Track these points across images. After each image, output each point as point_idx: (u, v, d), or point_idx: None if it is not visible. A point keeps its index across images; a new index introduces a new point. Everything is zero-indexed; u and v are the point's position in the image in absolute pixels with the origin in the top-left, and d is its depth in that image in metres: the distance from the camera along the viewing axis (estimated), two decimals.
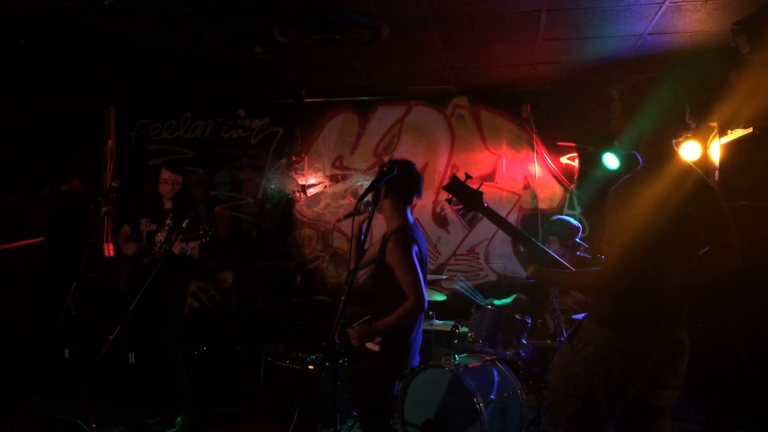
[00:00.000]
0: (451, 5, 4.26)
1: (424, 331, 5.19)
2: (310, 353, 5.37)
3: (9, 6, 4.19)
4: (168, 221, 4.81)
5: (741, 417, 4.47)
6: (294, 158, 6.88)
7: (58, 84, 6.18)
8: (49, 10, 4.27)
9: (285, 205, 6.95)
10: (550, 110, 6.31)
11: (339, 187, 6.85)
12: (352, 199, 6.74)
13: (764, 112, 4.41)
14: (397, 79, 6.18)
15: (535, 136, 6.40)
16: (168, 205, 4.97)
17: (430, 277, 5.69)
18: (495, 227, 6.32)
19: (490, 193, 6.47)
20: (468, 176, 2.98)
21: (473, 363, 4.44)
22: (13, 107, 6.83)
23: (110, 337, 3.78)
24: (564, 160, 6.35)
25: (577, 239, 4.98)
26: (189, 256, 4.82)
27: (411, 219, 3.62)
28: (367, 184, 6.58)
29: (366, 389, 3.50)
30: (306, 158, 6.88)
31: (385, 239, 3.58)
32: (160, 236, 4.79)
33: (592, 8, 4.30)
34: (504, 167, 6.47)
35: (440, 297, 5.28)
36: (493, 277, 6.47)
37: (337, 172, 6.86)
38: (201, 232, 4.46)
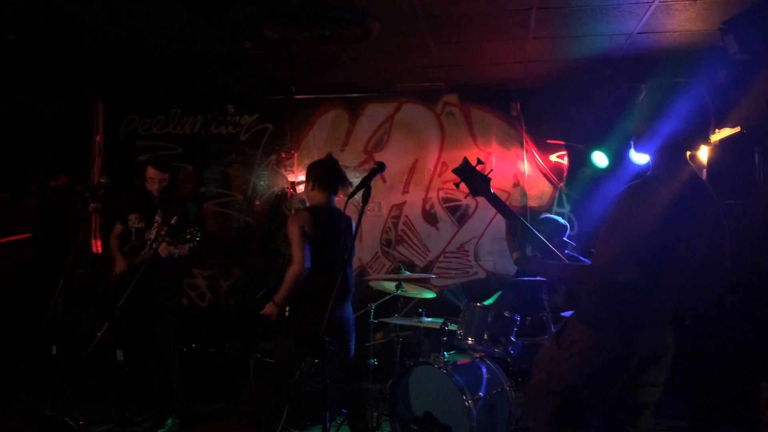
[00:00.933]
0: (442, 3, 4.26)
1: (414, 328, 5.22)
2: None
3: None
4: (157, 218, 4.79)
5: (726, 413, 4.51)
6: (284, 155, 6.86)
7: (46, 79, 6.13)
8: (37, 4, 4.23)
9: (275, 201, 6.93)
10: (540, 108, 6.33)
11: None
12: (342, 196, 6.71)
13: (752, 111, 4.44)
14: (387, 76, 6.18)
15: (524, 133, 6.42)
16: (156, 201, 4.94)
17: (420, 275, 5.70)
18: (484, 225, 6.44)
19: None
20: (480, 161, 3.02)
21: (462, 360, 4.45)
22: (0, 103, 6.77)
23: (98, 334, 3.76)
24: (553, 158, 6.38)
25: (565, 238, 5.01)
26: (179, 257, 4.78)
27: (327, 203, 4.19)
28: (357, 181, 6.59)
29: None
30: (296, 155, 6.87)
31: None
32: (150, 234, 4.77)
33: (582, 7, 4.31)
34: (493, 165, 6.48)
35: (430, 294, 5.29)
36: (482, 275, 6.49)
37: None
38: (188, 236, 4.42)
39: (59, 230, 6.48)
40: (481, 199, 6.29)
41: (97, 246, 6.81)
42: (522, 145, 6.43)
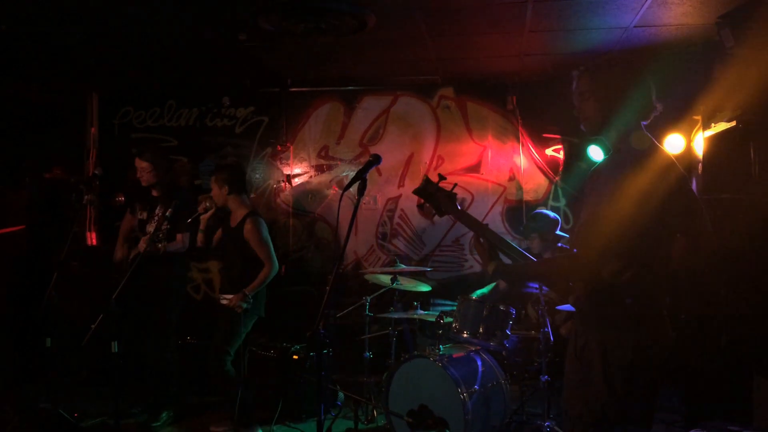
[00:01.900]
0: None
1: (409, 321, 5.24)
2: (294, 343, 5.36)
3: None
4: (158, 211, 4.78)
5: (720, 406, 4.52)
6: (279, 148, 6.84)
7: (41, 70, 6.10)
8: None
9: (270, 194, 6.92)
10: (536, 102, 6.32)
11: (324, 177, 6.83)
12: (337, 189, 6.71)
13: (748, 105, 4.44)
14: (383, 69, 6.17)
15: (520, 127, 6.41)
16: (155, 192, 4.92)
17: (415, 268, 5.70)
18: (480, 219, 6.41)
19: (475, 184, 6.48)
20: (441, 177, 2.81)
21: (457, 353, 4.46)
22: None
23: (92, 327, 3.75)
24: (549, 151, 6.37)
25: (557, 231, 5.01)
26: (173, 251, 4.76)
27: None
28: (354, 174, 6.58)
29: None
30: (291, 148, 6.85)
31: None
32: (150, 227, 4.75)
33: (579, 0, 4.30)
34: (489, 158, 6.48)
35: (425, 288, 5.29)
36: (477, 269, 6.49)
37: (323, 162, 6.83)
38: (189, 221, 4.44)
39: (53, 222, 6.45)
40: (476, 193, 6.29)
41: (91, 238, 6.79)
42: (518, 139, 6.43)
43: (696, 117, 5.24)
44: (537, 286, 4.46)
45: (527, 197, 6.41)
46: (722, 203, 4.53)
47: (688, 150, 5.35)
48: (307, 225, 6.85)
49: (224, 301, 4.51)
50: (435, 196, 2.78)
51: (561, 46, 5.36)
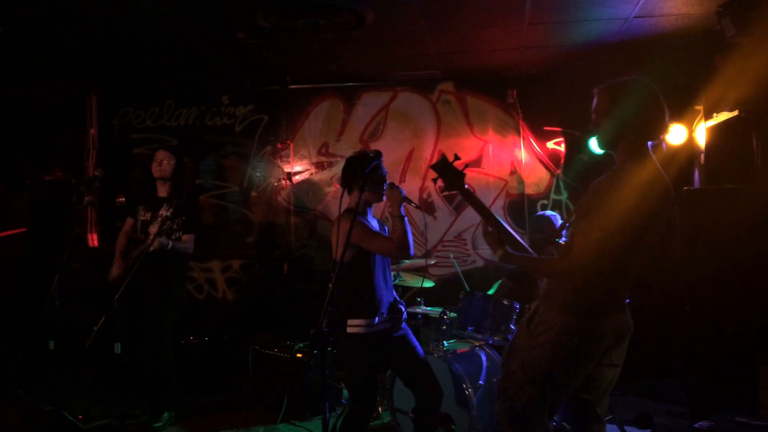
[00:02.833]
0: None
1: (413, 317, 5.22)
2: (297, 341, 5.35)
3: None
4: (162, 212, 4.76)
5: (726, 397, 4.51)
6: (279, 145, 6.82)
7: (39, 72, 6.08)
8: None
9: (271, 192, 6.91)
10: (536, 95, 6.30)
11: (325, 174, 6.81)
12: (338, 186, 6.70)
13: (750, 95, 4.41)
14: (382, 64, 6.14)
15: (521, 121, 6.39)
16: (162, 192, 4.90)
17: (418, 263, 5.69)
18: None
19: (476, 178, 6.46)
20: (457, 157, 3.12)
21: (462, 349, 4.44)
22: None
23: (95, 328, 3.74)
24: (550, 145, 6.35)
25: (558, 225, 4.99)
26: (179, 250, 4.74)
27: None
28: None
29: None
30: (291, 145, 6.83)
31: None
32: (153, 228, 4.74)
33: None
34: (490, 153, 6.46)
35: (429, 283, 5.27)
36: (480, 263, 6.48)
37: (323, 159, 6.82)
38: (174, 226, 4.40)
39: (54, 224, 6.44)
40: (477, 187, 6.29)
41: (92, 239, 6.78)
42: (519, 133, 6.41)
43: (698, 107, 5.22)
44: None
45: (529, 191, 6.38)
46: (724, 193, 4.51)
47: (690, 140, 5.33)
48: (309, 223, 6.83)
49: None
50: (446, 173, 3.11)
51: (561, 39, 5.33)
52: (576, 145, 6.18)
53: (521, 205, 6.37)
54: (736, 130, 4.70)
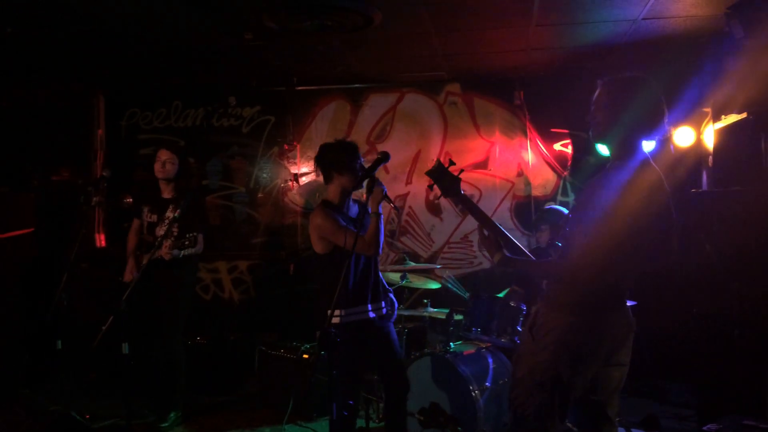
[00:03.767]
0: None
1: (420, 319, 5.21)
2: (304, 342, 5.35)
3: None
4: (169, 213, 4.76)
5: (733, 400, 4.49)
6: (286, 147, 6.83)
7: (47, 72, 6.11)
8: None
9: (277, 194, 6.91)
10: (544, 97, 6.29)
11: None
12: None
13: (758, 97, 4.39)
14: (389, 66, 6.14)
15: (528, 122, 6.38)
16: (167, 193, 4.90)
17: (424, 265, 5.69)
18: (489, 214, 6.38)
19: (483, 180, 6.45)
20: (451, 162, 3.07)
21: (468, 350, 4.44)
22: (1, 96, 6.75)
23: (103, 328, 3.75)
24: (557, 146, 6.34)
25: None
26: (190, 256, 4.75)
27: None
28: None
29: None
30: (298, 146, 6.84)
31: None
32: (160, 230, 4.74)
33: None
34: (497, 154, 6.45)
35: (435, 285, 5.27)
36: (486, 265, 6.46)
37: None
38: (186, 242, 4.38)
39: (61, 224, 6.46)
40: (484, 189, 6.29)
41: (100, 240, 6.80)
42: (525, 134, 6.39)
43: (706, 109, 5.21)
44: None
45: (536, 192, 6.37)
46: (733, 196, 4.49)
47: (698, 142, 5.31)
48: None
49: None
50: (442, 179, 3.05)
51: (568, 40, 5.32)
52: (583, 147, 6.16)
53: (528, 207, 6.36)
54: (745, 132, 4.68)
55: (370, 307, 3.65)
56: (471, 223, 6.51)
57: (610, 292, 2.60)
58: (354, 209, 3.78)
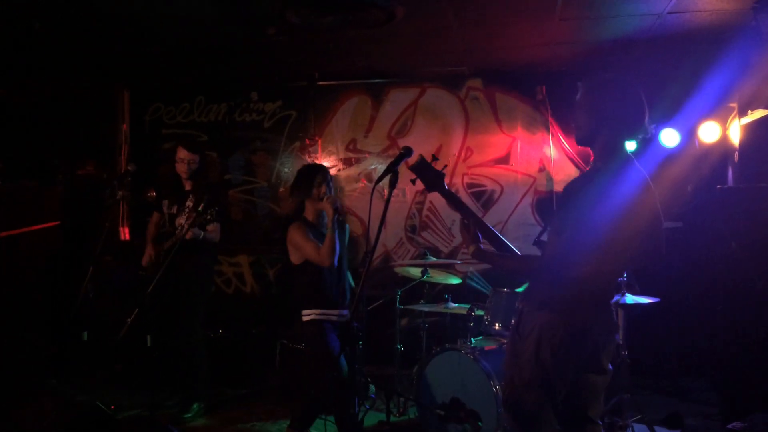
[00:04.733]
0: None
1: (440, 314, 5.20)
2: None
3: None
4: (189, 203, 4.81)
5: (758, 398, 4.44)
6: (307, 141, 6.85)
7: (72, 68, 6.18)
8: None
9: None
10: (566, 92, 6.18)
11: (353, 171, 6.83)
12: (366, 182, 6.72)
13: None
14: (410, 61, 6.13)
15: (550, 117, 6.34)
16: (188, 186, 4.95)
17: (445, 261, 5.68)
18: (510, 211, 6.39)
19: (504, 175, 6.43)
20: (435, 158, 3.11)
21: (489, 346, 4.43)
22: (27, 91, 6.85)
23: (128, 320, 3.80)
24: None
25: None
26: (209, 240, 4.80)
27: None
28: (382, 167, 6.57)
29: None
30: (319, 141, 6.86)
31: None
32: (181, 219, 4.79)
33: None
34: (519, 150, 6.42)
35: (456, 280, 5.27)
36: None
37: (351, 155, 6.84)
38: (208, 217, 4.42)
39: (86, 218, 6.55)
40: (505, 184, 6.27)
41: (124, 233, 6.88)
42: (548, 130, 6.36)
43: (732, 104, 5.15)
44: None
45: (558, 188, 6.32)
46: (759, 192, 4.43)
47: (724, 138, 5.25)
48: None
49: None
50: (425, 174, 3.08)
51: (592, 35, 5.27)
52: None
53: (550, 203, 6.32)
54: None
55: (336, 311, 4.03)
56: (491, 218, 6.47)
57: (594, 293, 2.58)
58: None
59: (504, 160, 6.45)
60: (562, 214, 2.62)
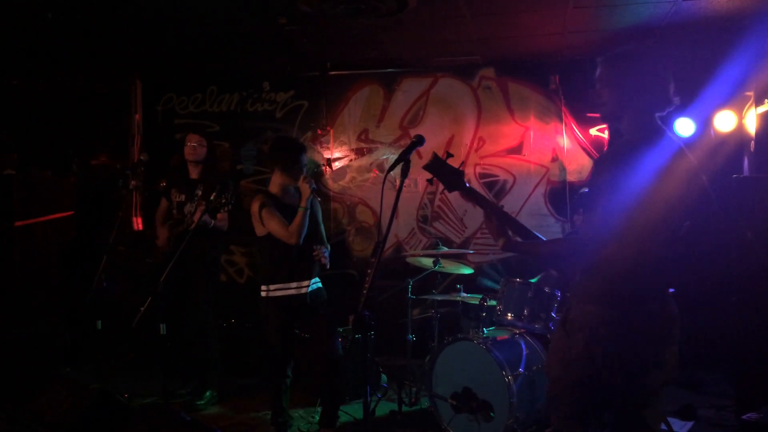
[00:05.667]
0: None
1: (452, 304, 5.19)
2: (338, 326, 5.38)
3: None
4: (198, 192, 4.83)
5: None
6: (319, 131, 6.84)
7: (85, 58, 6.20)
8: None
9: (311, 178, 6.92)
10: (580, 81, 6.17)
11: (365, 161, 6.82)
12: (378, 172, 6.70)
13: None
14: (423, 50, 6.10)
15: (563, 107, 6.29)
16: (194, 174, 4.97)
17: (457, 251, 5.66)
18: (522, 201, 6.36)
19: (517, 165, 6.40)
20: (449, 154, 2.94)
21: (501, 336, 4.42)
22: (40, 82, 6.88)
23: (141, 309, 3.82)
24: (593, 131, 6.24)
25: None
26: (218, 228, 4.82)
27: None
28: (394, 156, 6.55)
29: None
30: (331, 131, 6.85)
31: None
32: (189, 207, 4.81)
33: None
34: (532, 139, 6.38)
35: (468, 270, 5.25)
36: None
37: (363, 145, 6.82)
38: (223, 201, 4.42)
39: (100, 208, 6.60)
40: (518, 174, 6.23)
41: (137, 223, 6.91)
42: (561, 119, 6.31)
43: (748, 93, 5.08)
44: None
45: (571, 178, 6.29)
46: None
47: (740, 127, 5.19)
48: (348, 208, 6.85)
49: None
50: (443, 173, 2.91)
51: (606, 22, 5.22)
52: (620, 132, 6.05)
53: (563, 192, 6.29)
54: None
55: (295, 283, 4.11)
56: (504, 209, 6.44)
57: (636, 281, 2.39)
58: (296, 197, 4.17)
59: (517, 150, 6.41)
60: (593, 189, 2.49)
